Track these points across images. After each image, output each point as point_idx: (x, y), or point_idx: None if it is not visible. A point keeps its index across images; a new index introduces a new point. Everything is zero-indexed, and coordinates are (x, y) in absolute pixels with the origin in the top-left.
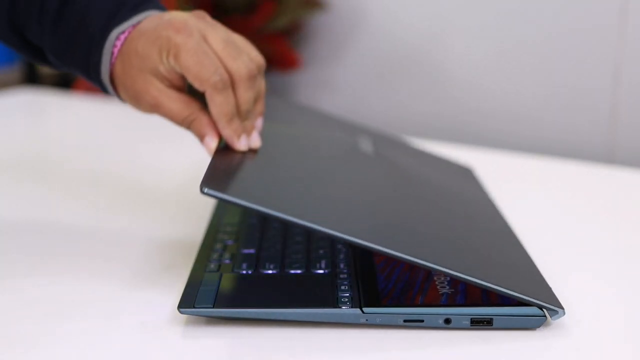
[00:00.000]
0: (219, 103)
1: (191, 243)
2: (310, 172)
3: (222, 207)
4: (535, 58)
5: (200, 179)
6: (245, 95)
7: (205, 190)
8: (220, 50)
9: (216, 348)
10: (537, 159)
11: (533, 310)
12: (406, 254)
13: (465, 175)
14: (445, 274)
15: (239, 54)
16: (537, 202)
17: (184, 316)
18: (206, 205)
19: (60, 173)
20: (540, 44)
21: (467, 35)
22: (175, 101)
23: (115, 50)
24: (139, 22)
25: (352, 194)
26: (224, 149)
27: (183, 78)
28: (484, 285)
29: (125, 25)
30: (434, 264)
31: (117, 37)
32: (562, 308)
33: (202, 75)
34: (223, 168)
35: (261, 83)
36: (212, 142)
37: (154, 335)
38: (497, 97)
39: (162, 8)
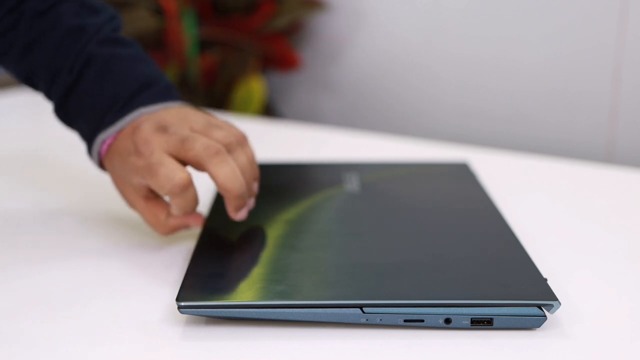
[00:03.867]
0: (177, 204)
1: (191, 243)
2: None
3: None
4: (535, 58)
5: (201, 182)
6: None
7: (183, 310)
8: (187, 151)
9: (216, 348)
10: (537, 159)
11: (533, 310)
12: (389, 300)
13: (460, 174)
14: (434, 305)
15: (195, 141)
16: (537, 201)
17: (184, 316)
18: (206, 205)
19: (59, 173)
20: (540, 44)
21: (467, 35)
22: (145, 211)
23: (102, 152)
24: (122, 129)
25: (339, 256)
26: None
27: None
28: (473, 304)
29: (110, 132)
30: (420, 299)
31: (103, 142)
32: (557, 300)
33: (165, 188)
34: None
35: (243, 153)
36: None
37: (154, 335)
38: (496, 97)
39: (156, 98)
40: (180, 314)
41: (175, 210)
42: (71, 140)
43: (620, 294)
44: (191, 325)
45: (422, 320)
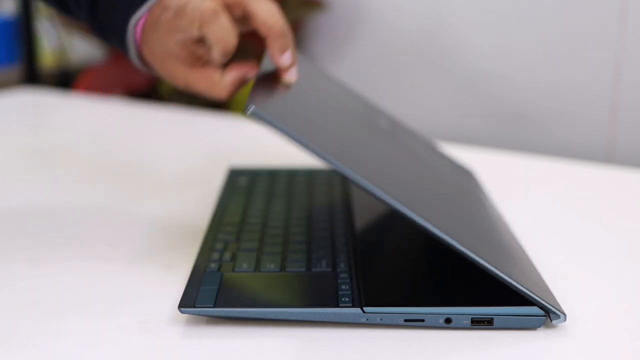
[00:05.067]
0: (213, 34)
1: (191, 242)
2: (342, 121)
3: (223, 207)
4: (535, 58)
5: (201, 182)
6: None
7: (252, 109)
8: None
9: (216, 348)
10: (537, 159)
11: (534, 310)
12: (468, 250)
13: (468, 176)
14: (485, 269)
15: None
16: (537, 202)
17: (185, 316)
18: (207, 205)
19: (59, 173)
20: (540, 44)
21: (467, 37)
22: (197, 79)
23: (138, 38)
24: (151, 6)
25: (390, 156)
26: (264, 78)
27: (199, 45)
28: (509, 282)
29: (141, 11)
30: (486, 262)
31: (136, 24)
32: (565, 314)
33: (195, 19)
34: (267, 93)
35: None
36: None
37: (154, 335)
38: (497, 97)
39: None
40: (180, 314)
41: (215, 48)
42: (72, 140)
43: (621, 294)
44: (191, 325)
45: (423, 320)
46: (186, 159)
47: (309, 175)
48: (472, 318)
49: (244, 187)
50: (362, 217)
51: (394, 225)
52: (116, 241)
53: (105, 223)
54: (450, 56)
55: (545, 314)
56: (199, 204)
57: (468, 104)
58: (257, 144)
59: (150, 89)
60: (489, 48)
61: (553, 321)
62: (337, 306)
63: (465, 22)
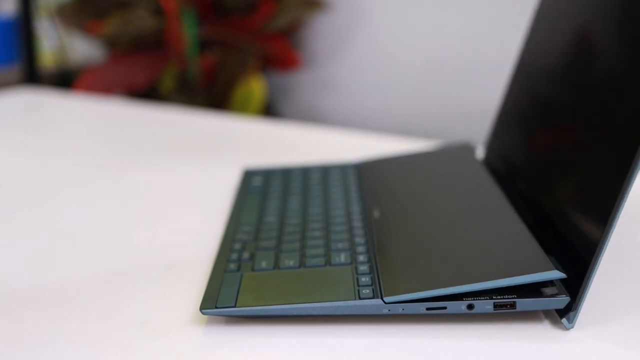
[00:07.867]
0: None
1: (195, 242)
2: None
3: (239, 207)
4: None
5: (206, 182)
6: None
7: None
8: None
9: (235, 346)
10: None
11: (554, 274)
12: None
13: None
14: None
15: None
16: None
17: (204, 317)
18: (209, 205)
19: (60, 173)
20: None
21: (468, 35)
22: None
23: None
24: None
25: None
26: None
27: None
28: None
29: None
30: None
31: None
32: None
33: None
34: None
35: None
36: None
37: (170, 336)
38: (497, 96)
39: None
40: (200, 314)
41: None
42: (72, 140)
43: (621, 295)
44: (211, 325)
45: (445, 308)
46: (188, 158)
47: (323, 170)
48: (494, 303)
49: (258, 186)
50: (379, 209)
51: (410, 214)
52: (120, 242)
53: (107, 223)
54: (450, 55)
55: (567, 293)
56: (201, 203)
57: (468, 103)
58: (257, 143)
59: (150, 89)
60: (489, 48)
61: (562, 319)
62: (358, 299)
63: (466, 21)
